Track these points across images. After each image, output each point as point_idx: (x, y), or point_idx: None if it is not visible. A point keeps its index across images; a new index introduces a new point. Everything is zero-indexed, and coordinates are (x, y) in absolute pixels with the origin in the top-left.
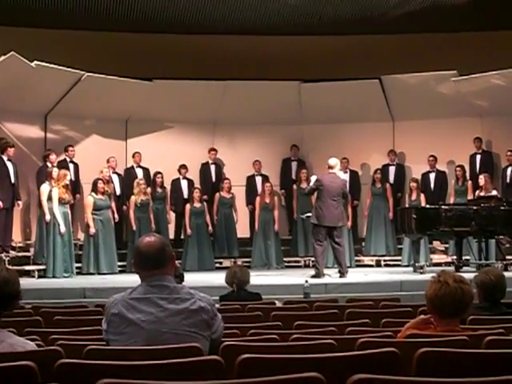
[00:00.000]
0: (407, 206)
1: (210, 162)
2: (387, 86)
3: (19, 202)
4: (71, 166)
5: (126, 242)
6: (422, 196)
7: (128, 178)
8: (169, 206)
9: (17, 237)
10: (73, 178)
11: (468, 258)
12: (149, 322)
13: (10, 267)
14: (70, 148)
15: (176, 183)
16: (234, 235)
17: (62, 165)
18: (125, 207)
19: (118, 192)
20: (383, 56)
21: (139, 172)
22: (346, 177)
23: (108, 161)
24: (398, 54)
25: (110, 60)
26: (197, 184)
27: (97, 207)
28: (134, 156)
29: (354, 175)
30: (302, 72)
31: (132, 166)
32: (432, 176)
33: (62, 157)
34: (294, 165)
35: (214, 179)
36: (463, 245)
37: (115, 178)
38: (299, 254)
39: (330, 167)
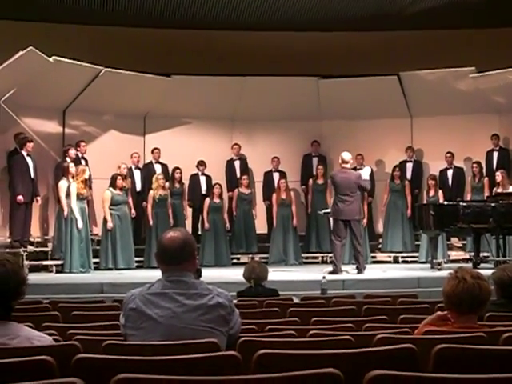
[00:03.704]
0: (425, 202)
1: (235, 157)
2: (405, 82)
3: (38, 198)
4: (82, 161)
5: (145, 238)
6: (440, 192)
7: (147, 173)
8: (186, 202)
9: (35, 232)
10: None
11: (486, 254)
12: (166, 317)
13: (27, 262)
14: (82, 143)
15: (194, 178)
16: (252, 231)
17: (74, 161)
18: (145, 203)
19: (139, 187)
20: (402, 52)
21: (158, 168)
22: (368, 170)
23: (131, 156)
24: (417, 50)
25: (128, 55)
26: (218, 179)
27: (114, 202)
28: (153, 152)
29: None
30: (320, 68)
31: (151, 162)
32: (450, 173)
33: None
34: (314, 160)
35: (238, 175)
36: (481, 241)
37: (137, 174)
38: (310, 250)
39: (344, 162)
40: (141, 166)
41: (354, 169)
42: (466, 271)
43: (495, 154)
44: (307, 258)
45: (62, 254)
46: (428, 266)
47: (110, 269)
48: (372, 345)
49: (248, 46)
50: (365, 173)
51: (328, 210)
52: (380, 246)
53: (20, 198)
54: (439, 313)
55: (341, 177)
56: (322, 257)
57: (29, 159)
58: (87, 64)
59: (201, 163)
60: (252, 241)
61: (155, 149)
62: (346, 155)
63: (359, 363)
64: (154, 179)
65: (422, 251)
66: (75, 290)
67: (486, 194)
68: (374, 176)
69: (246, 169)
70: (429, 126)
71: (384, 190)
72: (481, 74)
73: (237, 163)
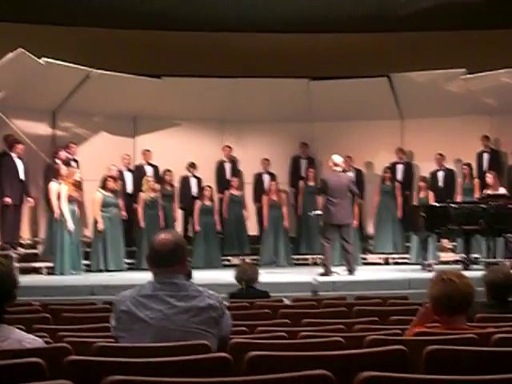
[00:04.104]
0: (416, 204)
1: (225, 159)
2: (396, 83)
3: (29, 199)
4: (73, 163)
5: (136, 240)
6: (431, 194)
7: (137, 175)
8: (176, 204)
9: (25, 234)
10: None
11: (476, 256)
12: (157, 319)
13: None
14: (72, 145)
15: (185, 181)
16: (244, 233)
17: (64, 162)
18: (135, 205)
19: (130, 189)
20: (392, 54)
21: (148, 169)
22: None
23: (122, 158)
24: (408, 51)
25: (118, 57)
26: (208, 181)
27: (105, 204)
28: (143, 153)
29: (358, 173)
30: (311, 69)
31: (141, 164)
32: (440, 174)
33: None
34: (303, 163)
35: (228, 177)
36: (472, 243)
37: (128, 176)
38: (300, 252)
39: (336, 165)
40: (132, 167)
41: (344, 171)
42: (449, 272)
43: (485, 156)
44: (298, 259)
45: (52, 257)
46: (419, 267)
47: (101, 271)
48: (363, 346)
49: (239, 47)
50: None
51: (318, 212)
52: (371, 247)
53: (7, 200)
54: (420, 309)
55: (334, 180)
56: (313, 258)
57: (18, 161)
58: (77, 66)
59: (191, 165)
60: (244, 242)
61: (146, 150)
62: (337, 158)
63: (350, 365)
64: (143, 181)
65: (412, 253)
66: (66, 292)
67: (476, 195)
68: (365, 178)
69: (236, 171)
70: (419, 128)
71: (375, 192)
72: (471, 75)
73: (227, 165)
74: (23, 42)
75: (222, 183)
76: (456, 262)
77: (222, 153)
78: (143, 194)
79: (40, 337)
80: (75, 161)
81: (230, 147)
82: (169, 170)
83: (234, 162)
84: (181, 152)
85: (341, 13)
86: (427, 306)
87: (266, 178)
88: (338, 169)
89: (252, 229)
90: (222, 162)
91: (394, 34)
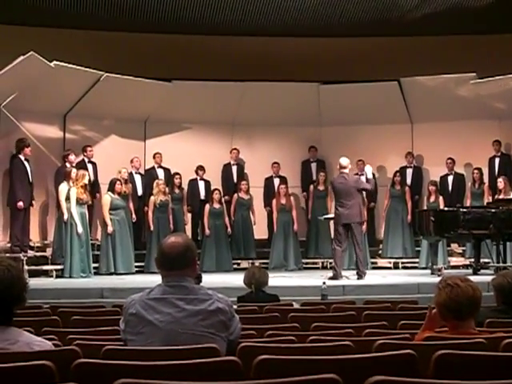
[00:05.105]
0: (425, 208)
1: (232, 162)
2: (406, 88)
3: (33, 202)
4: (90, 166)
5: (145, 243)
6: (441, 198)
7: (149, 178)
8: (185, 207)
9: (35, 237)
10: (92, 178)
11: (486, 260)
12: (166, 322)
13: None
14: (89, 148)
15: (193, 184)
16: (251, 236)
17: (81, 165)
18: (146, 208)
19: (140, 192)
20: (402, 58)
21: (160, 172)
22: (369, 169)
23: (132, 161)
24: (417, 56)
25: (129, 60)
26: (218, 184)
27: (113, 207)
28: (154, 156)
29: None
30: (320, 73)
31: (153, 167)
32: (450, 178)
33: (80, 157)
34: (313, 166)
35: (235, 180)
36: (481, 247)
37: (138, 179)
38: (310, 255)
39: (342, 167)
40: (141, 170)
41: (356, 174)
42: (455, 277)
43: (497, 160)
44: (307, 263)
45: (62, 259)
46: (428, 271)
47: (110, 273)
48: (372, 351)
49: (248, 51)
50: (368, 172)
51: (328, 216)
52: (380, 251)
53: (20, 204)
54: (427, 314)
55: (339, 182)
56: (322, 262)
57: (27, 164)
58: (88, 69)
59: (200, 168)
60: (250, 246)
61: (157, 153)
62: (344, 160)
63: (359, 369)
64: (154, 184)
65: (422, 257)
66: (75, 295)
67: (486, 200)
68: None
69: (242, 174)
70: (429, 132)
71: (385, 196)
72: (481, 80)
73: (234, 168)
74: (34, 45)
75: (229, 186)
76: (466, 266)
77: (229, 155)
78: (153, 198)
79: (49, 339)
80: (92, 163)
81: (237, 150)
82: (177, 174)
83: (240, 165)
84: (191, 155)
85: (351, 17)
86: (434, 312)
87: (277, 181)
88: (346, 171)
89: (261, 232)
90: (228, 165)
91: (404, 39)
